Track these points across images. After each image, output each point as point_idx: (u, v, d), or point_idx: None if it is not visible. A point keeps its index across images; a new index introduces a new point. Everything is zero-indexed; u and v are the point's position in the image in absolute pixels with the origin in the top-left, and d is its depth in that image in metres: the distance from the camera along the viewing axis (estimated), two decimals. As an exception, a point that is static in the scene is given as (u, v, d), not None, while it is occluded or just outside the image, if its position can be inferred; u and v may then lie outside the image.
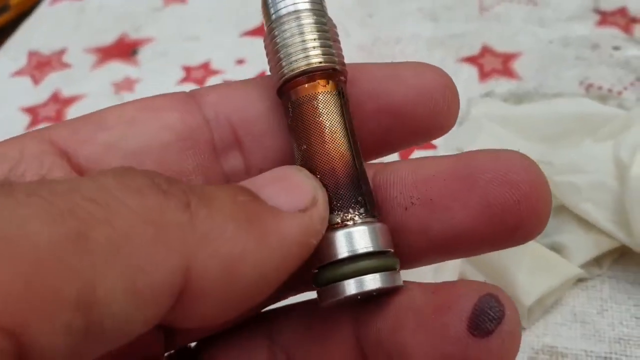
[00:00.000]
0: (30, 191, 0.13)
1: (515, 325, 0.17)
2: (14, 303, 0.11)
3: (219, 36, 0.56)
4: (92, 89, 0.53)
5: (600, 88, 0.45)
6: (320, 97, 0.19)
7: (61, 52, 0.57)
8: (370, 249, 0.18)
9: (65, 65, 0.56)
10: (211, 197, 0.15)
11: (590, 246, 0.34)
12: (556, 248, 0.34)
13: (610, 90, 0.44)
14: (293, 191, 0.17)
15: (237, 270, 0.15)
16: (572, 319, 0.33)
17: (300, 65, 0.19)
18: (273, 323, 0.21)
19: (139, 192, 0.14)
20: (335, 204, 0.18)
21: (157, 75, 0.53)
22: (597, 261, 0.35)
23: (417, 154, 0.39)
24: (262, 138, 0.20)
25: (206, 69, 0.53)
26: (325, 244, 0.18)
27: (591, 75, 0.46)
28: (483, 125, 0.40)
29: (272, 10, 0.19)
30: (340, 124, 0.19)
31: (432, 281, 0.19)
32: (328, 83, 0.19)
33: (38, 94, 0.53)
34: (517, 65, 0.48)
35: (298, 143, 0.19)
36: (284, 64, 0.19)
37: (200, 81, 0.52)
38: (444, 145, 0.40)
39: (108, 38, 0.58)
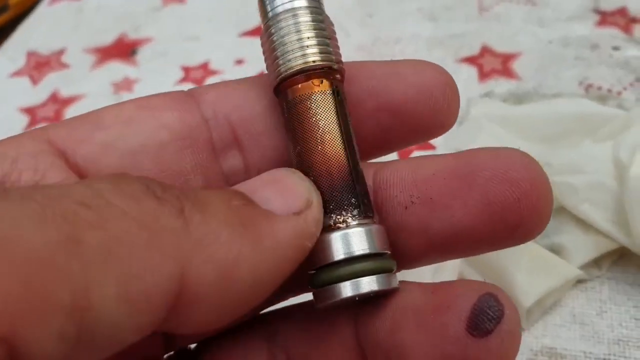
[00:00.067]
0: (25, 195, 0.13)
1: (515, 325, 0.17)
2: (7, 308, 0.11)
3: (218, 36, 0.56)
4: (91, 89, 0.53)
5: (599, 88, 0.45)
6: (313, 97, 0.19)
7: (60, 52, 0.57)
8: (367, 251, 0.18)
9: (64, 66, 0.56)
10: (205, 202, 0.15)
11: (590, 247, 0.34)
12: (555, 249, 0.34)
13: (609, 91, 0.44)
14: (287, 194, 0.17)
15: (232, 275, 0.15)
16: (571, 320, 0.33)
17: (293, 64, 0.19)
18: (273, 324, 0.21)
19: (133, 198, 0.14)
20: (328, 205, 0.18)
21: (156, 76, 0.53)
22: (597, 262, 0.35)
23: (416, 154, 0.39)
24: (261, 137, 0.20)
25: (205, 69, 0.53)
26: (319, 246, 0.18)
27: (591, 76, 0.45)
28: (482, 125, 0.40)
29: (268, 8, 0.19)
30: (335, 124, 0.19)
31: (431, 282, 0.19)
32: (322, 82, 0.19)
33: (37, 94, 0.53)
34: (516, 66, 0.48)
35: (293, 144, 0.19)
36: (279, 62, 0.19)
37: (199, 81, 0.52)
38: (444, 145, 0.40)
39: (107, 38, 0.58)
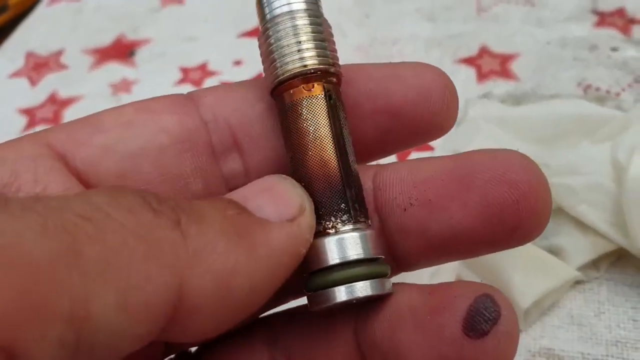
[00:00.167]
0: (25, 206, 0.13)
1: (513, 326, 0.17)
2: (7, 317, 0.11)
3: (217, 37, 0.56)
4: (89, 90, 0.53)
5: (598, 89, 0.45)
6: (304, 102, 0.19)
7: (59, 53, 0.57)
8: (361, 256, 0.18)
9: (63, 67, 0.56)
10: (200, 213, 0.15)
11: (588, 249, 0.34)
12: (553, 250, 0.34)
13: (608, 92, 0.44)
14: (279, 201, 0.17)
15: (229, 284, 0.15)
16: (569, 321, 0.33)
17: (288, 68, 0.19)
18: (273, 327, 0.21)
19: (130, 211, 0.14)
20: (318, 211, 0.18)
21: (155, 77, 0.53)
22: (595, 264, 0.35)
23: (414, 155, 0.39)
24: (260, 140, 0.20)
25: (204, 70, 0.53)
26: (312, 251, 0.18)
27: (589, 77, 0.45)
28: (480, 126, 0.40)
29: (266, 11, 0.19)
30: (326, 128, 0.19)
31: (429, 283, 0.19)
32: (313, 87, 0.19)
33: (35, 95, 0.53)
34: (514, 66, 0.48)
35: (287, 149, 0.19)
36: (275, 65, 0.19)
37: (197, 82, 0.52)
38: (442, 146, 0.40)
39: (105, 39, 0.58)
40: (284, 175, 0.18)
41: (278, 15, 0.19)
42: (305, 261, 0.18)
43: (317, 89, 0.19)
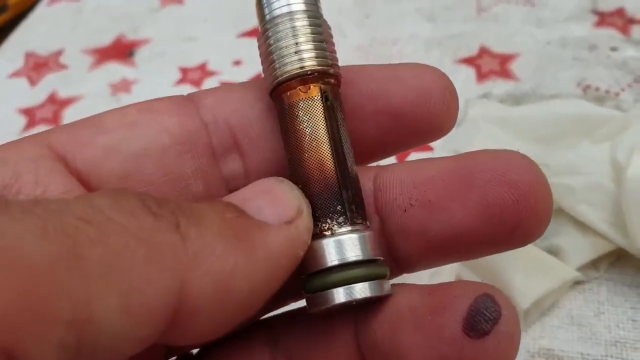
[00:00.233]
0: (26, 209, 0.13)
1: (514, 326, 0.17)
2: (8, 319, 0.11)
3: (216, 37, 0.56)
4: (89, 90, 0.53)
5: (597, 89, 0.45)
6: (300, 104, 0.19)
7: (58, 53, 0.57)
8: (360, 258, 0.18)
9: (62, 67, 0.56)
10: (200, 216, 0.15)
11: (587, 249, 0.34)
12: (553, 251, 0.34)
13: (607, 92, 0.44)
14: (277, 203, 0.17)
15: (229, 286, 0.15)
16: (569, 321, 0.33)
17: (286, 70, 0.19)
18: (274, 328, 0.21)
19: (131, 214, 0.14)
20: (314, 213, 0.18)
21: (154, 77, 0.53)
22: (594, 264, 0.35)
23: (413, 156, 0.39)
24: (260, 141, 0.20)
25: (203, 70, 0.53)
26: (310, 253, 0.18)
27: (589, 77, 0.46)
28: (480, 126, 0.40)
29: (266, 11, 0.19)
30: (322, 130, 0.19)
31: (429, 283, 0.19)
32: (309, 89, 0.19)
33: (35, 95, 0.53)
34: (514, 66, 0.48)
35: (285, 150, 0.19)
36: (274, 66, 0.19)
37: (197, 82, 0.52)
38: (441, 146, 0.40)
39: (105, 39, 0.58)
40: (281, 178, 0.18)
41: (277, 16, 0.19)
42: (303, 263, 0.18)
43: (314, 91, 0.19)
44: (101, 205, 0.14)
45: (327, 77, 0.19)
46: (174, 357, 0.22)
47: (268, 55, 0.19)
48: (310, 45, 0.19)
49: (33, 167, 0.18)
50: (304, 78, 0.19)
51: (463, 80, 0.47)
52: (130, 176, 0.19)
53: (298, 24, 0.19)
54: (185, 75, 0.52)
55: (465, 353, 0.16)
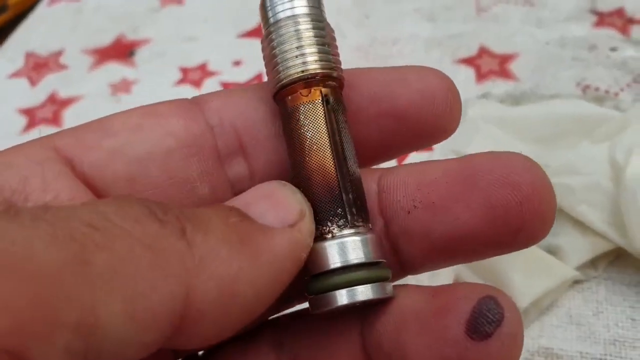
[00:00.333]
0: (35, 216, 0.13)
1: (517, 328, 0.17)
2: (16, 323, 0.11)
3: (216, 37, 0.56)
4: (89, 90, 0.53)
5: (597, 89, 0.45)
6: (301, 107, 0.19)
7: (58, 53, 0.57)
8: (363, 260, 0.18)
9: (63, 67, 0.56)
10: (204, 221, 0.15)
11: (586, 248, 0.34)
12: (552, 250, 0.34)
13: (607, 92, 0.44)
14: (280, 207, 0.17)
15: (233, 290, 0.15)
16: (568, 320, 0.33)
17: (289, 73, 0.19)
18: (280, 329, 0.21)
19: (136, 220, 0.14)
20: (315, 216, 0.18)
21: (154, 77, 0.53)
22: (593, 263, 0.35)
23: (413, 156, 0.39)
24: (265, 143, 0.20)
25: (203, 70, 0.53)
26: (313, 256, 0.18)
27: (588, 77, 0.46)
28: (480, 126, 0.40)
29: (269, 14, 0.19)
30: (323, 134, 0.19)
31: (428, 284, 0.19)
32: (310, 92, 0.19)
33: (35, 96, 0.53)
34: (514, 66, 0.48)
35: (288, 153, 0.19)
36: (278, 70, 0.19)
37: (197, 82, 0.52)
38: (441, 147, 0.40)
39: (105, 39, 0.58)
40: (283, 182, 0.19)
41: (281, 20, 0.19)
42: (306, 265, 0.18)
43: (315, 94, 0.19)
44: (107, 211, 0.14)
45: (329, 80, 0.19)
46: (180, 359, 0.22)
47: (271, 58, 0.19)
48: (312, 49, 0.19)
49: (40, 171, 0.18)
50: (306, 81, 0.19)
51: (462, 80, 0.47)
52: (136, 179, 0.19)
53: (302, 27, 0.19)
54: (186, 75, 0.53)
55: (468, 355, 0.16)
